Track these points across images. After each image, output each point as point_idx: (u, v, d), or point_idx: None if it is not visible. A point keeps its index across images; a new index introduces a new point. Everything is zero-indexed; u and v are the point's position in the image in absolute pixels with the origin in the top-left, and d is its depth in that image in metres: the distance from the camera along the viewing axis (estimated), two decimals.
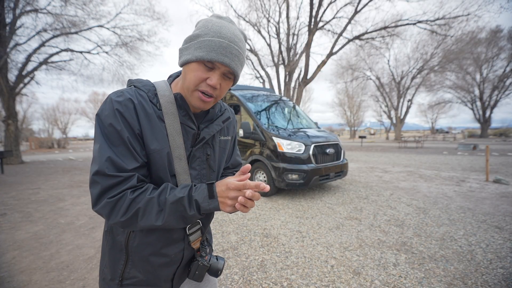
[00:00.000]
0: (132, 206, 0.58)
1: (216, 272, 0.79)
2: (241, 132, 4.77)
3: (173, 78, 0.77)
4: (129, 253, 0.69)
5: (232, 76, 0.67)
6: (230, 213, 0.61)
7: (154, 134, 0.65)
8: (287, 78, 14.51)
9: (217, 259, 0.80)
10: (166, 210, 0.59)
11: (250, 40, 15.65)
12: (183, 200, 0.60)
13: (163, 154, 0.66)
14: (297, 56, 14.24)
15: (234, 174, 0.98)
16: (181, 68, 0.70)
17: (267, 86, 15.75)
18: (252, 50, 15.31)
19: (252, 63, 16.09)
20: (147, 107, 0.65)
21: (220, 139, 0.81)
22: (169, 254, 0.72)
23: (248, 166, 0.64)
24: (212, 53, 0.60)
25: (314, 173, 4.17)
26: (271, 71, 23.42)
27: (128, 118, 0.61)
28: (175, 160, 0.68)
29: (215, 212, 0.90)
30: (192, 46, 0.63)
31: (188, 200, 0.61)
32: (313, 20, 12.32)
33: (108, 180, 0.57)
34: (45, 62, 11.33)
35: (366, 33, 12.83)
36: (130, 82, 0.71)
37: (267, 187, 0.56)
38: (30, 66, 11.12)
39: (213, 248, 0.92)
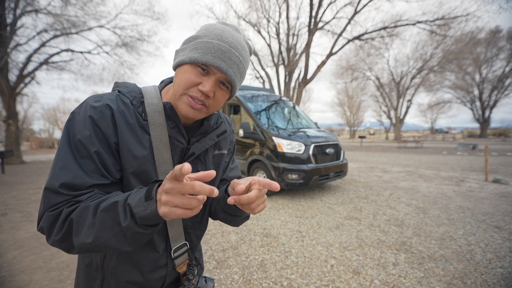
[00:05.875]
0: (66, 219, 0.47)
1: None
2: (241, 132, 4.78)
3: (164, 84, 0.67)
4: (105, 273, 0.61)
5: (229, 86, 0.58)
6: (168, 218, 0.41)
7: (134, 146, 0.56)
8: (287, 78, 14.54)
9: (205, 282, 0.70)
10: (97, 221, 0.45)
11: (250, 40, 15.64)
12: (117, 206, 0.44)
13: (143, 169, 0.57)
14: (297, 56, 14.27)
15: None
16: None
17: (267, 86, 15.77)
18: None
19: (252, 63, 16.11)
20: (128, 116, 0.56)
21: (213, 154, 0.71)
22: (149, 280, 0.63)
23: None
24: (209, 56, 0.52)
25: (314, 173, 4.19)
26: (271, 71, 23.48)
27: (102, 127, 0.53)
28: (160, 176, 0.58)
29: (209, 220, 0.76)
30: (188, 47, 0.56)
31: (123, 205, 0.45)
32: (313, 20, 12.36)
33: (57, 198, 0.48)
34: (45, 62, 11.37)
35: (366, 33, 12.87)
36: (116, 85, 0.63)
37: (278, 186, 0.48)
38: (30, 66, 11.19)
39: (203, 267, 0.83)
